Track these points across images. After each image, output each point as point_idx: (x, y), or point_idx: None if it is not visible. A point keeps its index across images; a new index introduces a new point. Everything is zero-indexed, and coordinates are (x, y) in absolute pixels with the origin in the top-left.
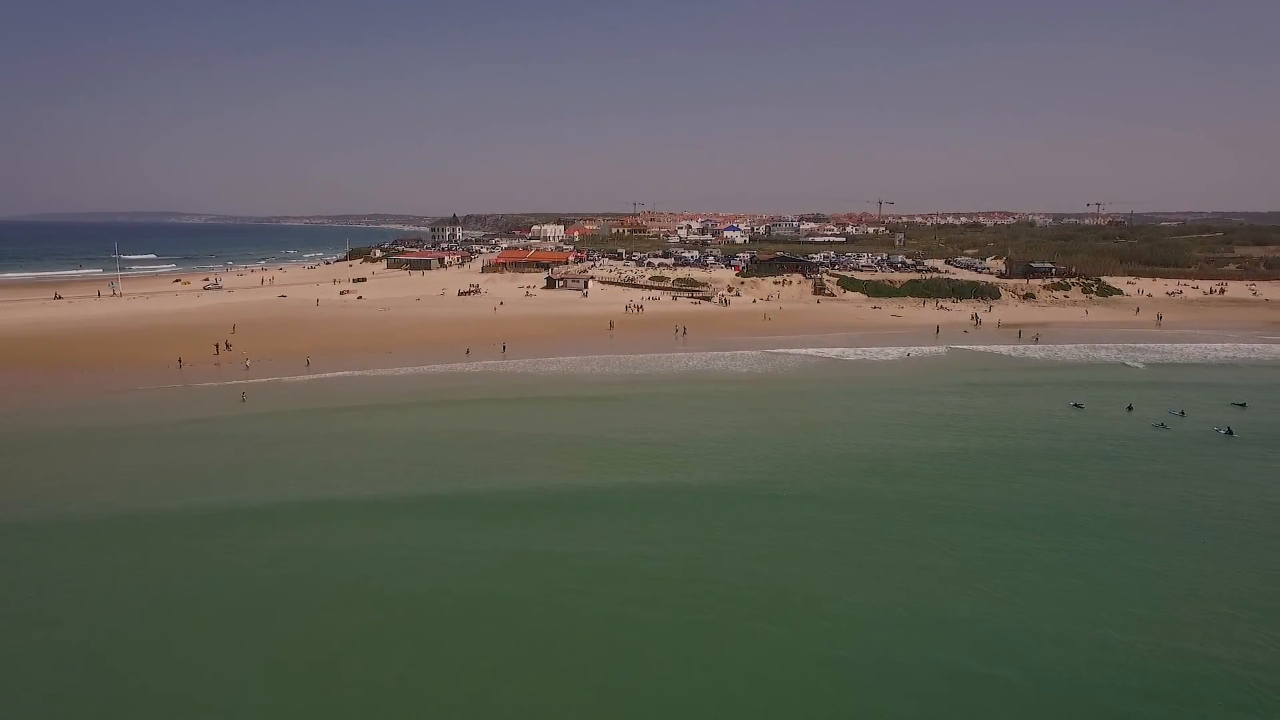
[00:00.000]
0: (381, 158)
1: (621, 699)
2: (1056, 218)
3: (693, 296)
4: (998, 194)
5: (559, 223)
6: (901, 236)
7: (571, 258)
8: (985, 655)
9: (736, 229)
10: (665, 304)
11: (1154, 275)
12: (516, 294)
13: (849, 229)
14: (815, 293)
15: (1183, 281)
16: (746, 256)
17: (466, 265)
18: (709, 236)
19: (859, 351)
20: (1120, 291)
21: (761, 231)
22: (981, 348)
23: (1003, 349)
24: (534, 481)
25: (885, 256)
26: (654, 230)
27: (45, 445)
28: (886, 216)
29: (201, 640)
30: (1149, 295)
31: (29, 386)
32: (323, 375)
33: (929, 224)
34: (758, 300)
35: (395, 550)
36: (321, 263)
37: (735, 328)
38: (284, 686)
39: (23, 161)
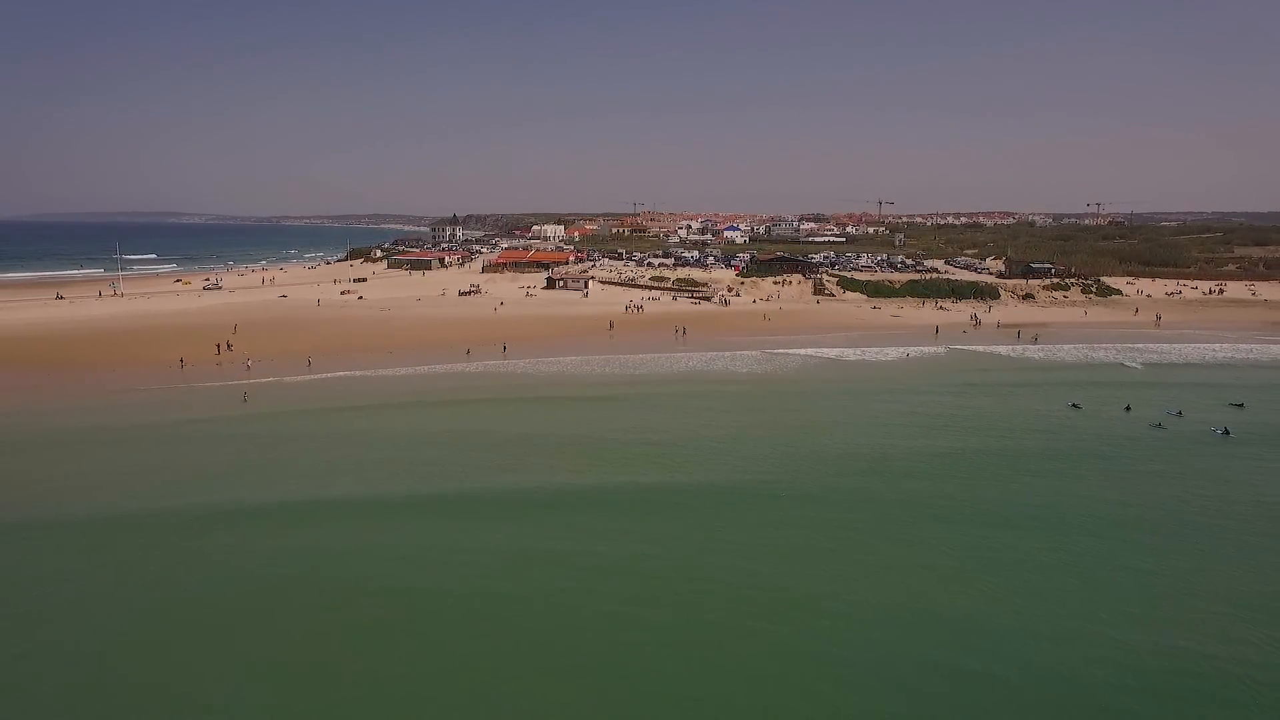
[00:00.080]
0: (381, 158)
1: (622, 697)
2: (1056, 218)
3: (693, 297)
4: (998, 194)
5: (559, 223)
6: (901, 237)
7: (571, 258)
8: (983, 654)
9: (736, 229)
10: (665, 304)
11: (1153, 275)
12: (517, 294)
13: (849, 229)
14: (815, 293)
15: (1182, 282)
16: (746, 257)
17: (467, 265)
18: (709, 237)
19: (858, 352)
20: (1119, 292)
21: (761, 232)
22: (980, 348)
23: (1002, 349)
24: (534, 481)
25: (885, 257)
26: (654, 230)
27: (47, 445)
28: (886, 216)
29: (202, 639)
30: (1148, 295)
31: (31, 386)
32: (324, 375)
33: (929, 224)
34: (757, 300)
35: (396, 549)
36: (322, 263)
37: (735, 328)
38: (285, 685)
39: (23, 161)
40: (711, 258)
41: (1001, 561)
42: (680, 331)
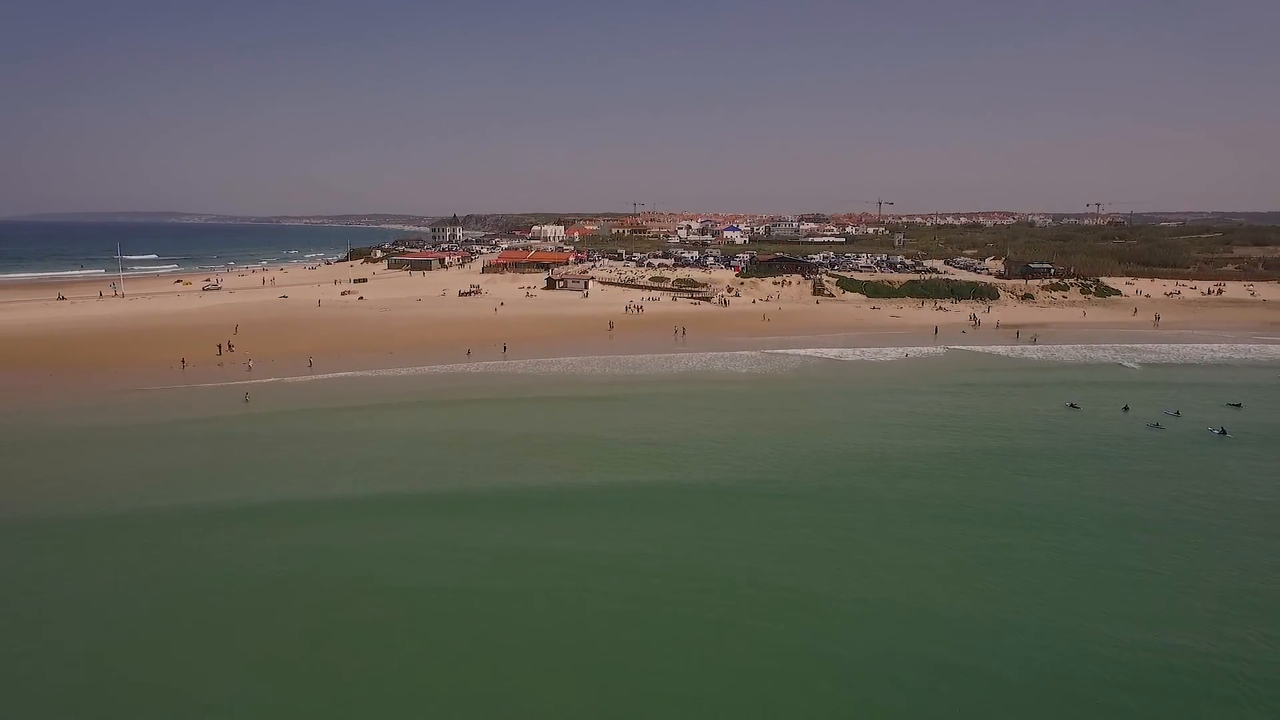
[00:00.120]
0: (381, 158)
1: (622, 695)
2: (1056, 218)
3: (692, 297)
4: (997, 194)
5: (559, 223)
6: (901, 237)
7: (571, 258)
8: (981, 652)
9: (736, 229)
10: (665, 304)
11: (1152, 276)
12: (517, 294)
13: (848, 229)
14: (814, 293)
15: (1181, 282)
16: (746, 257)
17: (467, 266)
18: (709, 237)
19: (857, 352)
20: (1118, 292)
21: (761, 232)
22: (979, 348)
23: (1000, 349)
24: (535, 480)
25: (884, 257)
26: (654, 231)
27: (48, 445)
28: (886, 217)
29: (203, 638)
30: (1147, 296)
31: (32, 386)
32: (325, 376)
33: (928, 224)
34: (757, 301)
35: (397, 548)
36: (322, 263)
37: (734, 328)
38: (286, 684)
39: (23, 161)
40: (711, 258)
41: (1000, 560)
42: (680, 332)
